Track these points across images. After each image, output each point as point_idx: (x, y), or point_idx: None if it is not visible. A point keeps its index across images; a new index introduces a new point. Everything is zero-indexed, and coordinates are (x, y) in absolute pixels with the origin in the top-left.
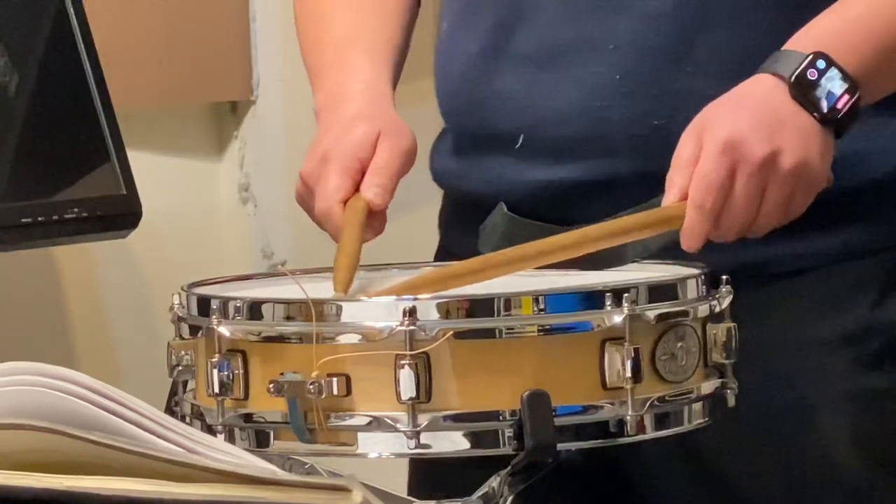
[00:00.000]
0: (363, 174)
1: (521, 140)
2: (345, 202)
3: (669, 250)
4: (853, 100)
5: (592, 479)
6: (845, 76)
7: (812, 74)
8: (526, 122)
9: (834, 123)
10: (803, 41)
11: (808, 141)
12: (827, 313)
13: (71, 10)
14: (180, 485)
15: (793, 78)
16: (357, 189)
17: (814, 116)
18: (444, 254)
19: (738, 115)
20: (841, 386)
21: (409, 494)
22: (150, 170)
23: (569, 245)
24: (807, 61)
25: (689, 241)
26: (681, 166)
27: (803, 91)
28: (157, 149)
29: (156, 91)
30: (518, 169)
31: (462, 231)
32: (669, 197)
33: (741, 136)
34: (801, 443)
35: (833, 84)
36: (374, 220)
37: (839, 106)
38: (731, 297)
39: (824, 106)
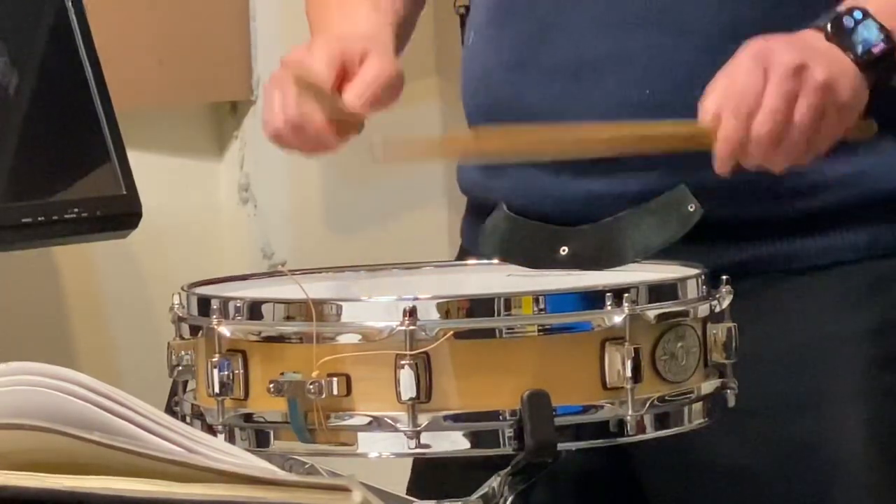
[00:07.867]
0: (343, 78)
1: None
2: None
3: (670, 251)
4: (889, 48)
5: (592, 480)
6: (882, 27)
7: (848, 22)
8: None
9: (869, 67)
10: (843, 6)
11: (839, 67)
12: (847, 309)
13: (71, 10)
14: (180, 485)
15: (829, 25)
16: (336, 88)
17: (848, 56)
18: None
19: (768, 38)
20: (858, 382)
21: (408, 494)
22: (150, 170)
23: (597, 139)
24: (843, 11)
25: (725, 147)
26: (713, 90)
27: (839, 35)
28: (157, 149)
29: (156, 91)
30: (547, 181)
31: None
32: (703, 118)
33: (772, 47)
34: (816, 439)
35: (870, 32)
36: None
37: (875, 51)
38: (732, 296)
39: (859, 49)
